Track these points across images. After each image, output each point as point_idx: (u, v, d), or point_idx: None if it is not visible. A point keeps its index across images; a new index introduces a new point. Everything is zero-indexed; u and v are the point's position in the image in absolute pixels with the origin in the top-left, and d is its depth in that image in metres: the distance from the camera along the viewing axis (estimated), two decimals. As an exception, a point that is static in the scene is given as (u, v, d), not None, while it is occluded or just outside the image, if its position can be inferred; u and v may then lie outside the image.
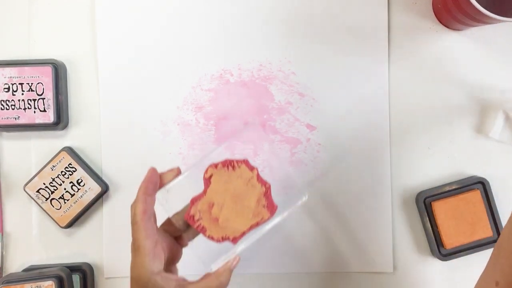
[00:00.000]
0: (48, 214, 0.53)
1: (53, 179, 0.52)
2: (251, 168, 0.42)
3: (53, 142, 0.54)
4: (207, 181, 0.42)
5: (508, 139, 0.53)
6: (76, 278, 0.51)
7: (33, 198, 0.52)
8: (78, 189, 0.52)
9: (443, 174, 0.54)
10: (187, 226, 0.43)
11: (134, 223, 0.40)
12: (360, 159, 0.54)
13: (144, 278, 0.39)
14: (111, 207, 0.54)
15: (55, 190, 0.52)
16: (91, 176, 0.52)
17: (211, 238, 0.42)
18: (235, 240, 0.42)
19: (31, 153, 0.54)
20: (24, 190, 0.52)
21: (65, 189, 0.52)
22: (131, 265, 0.40)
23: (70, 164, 0.52)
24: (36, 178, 0.52)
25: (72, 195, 0.52)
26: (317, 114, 0.54)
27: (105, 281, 0.54)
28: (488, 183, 0.52)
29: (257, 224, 0.42)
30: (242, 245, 0.42)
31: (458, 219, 0.52)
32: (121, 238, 0.54)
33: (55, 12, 0.54)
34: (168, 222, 0.44)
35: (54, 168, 0.52)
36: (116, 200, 0.54)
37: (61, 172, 0.52)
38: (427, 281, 0.54)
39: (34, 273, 0.50)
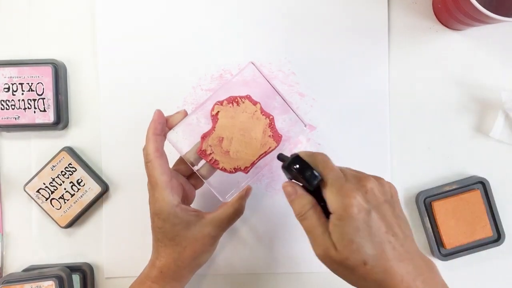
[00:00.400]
0: (48, 214, 0.53)
1: (53, 179, 0.52)
2: (254, 103, 0.45)
3: (53, 142, 0.54)
4: (215, 117, 0.45)
5: (508, 139, 0.53)
6: (76, 278, 0.51)
7: (33, 198, 0.52)
8: (78, 189, 0.52)
9: (443, 174, 0.54)
10: (199, 163, 0.45)
11: (148, 161, 0.43)
12: (360, 159, 0.54)
13: (165, 210, 0.42)
14: (111, 207, 0.54)
15: (55, 190, 0.52)
16: (91, 176, 0.52)
17: (224, 169, 0.45)
18: (246, 170, 0.45)
19: (31, 153, 0.54)
20: (24, 190, 0.52)
21: (65, 189, 0.52)
22: (151, 201, 0.43)
23: (70, 164, 0.52)
24: (36, 178, 0.52)
25: (72, 195, 0.52)
26: (317, 114, 0.54)
27: (105, 281, 0.54)
28: (488, 183, 0.52)
29: (265, 154, 0.45)
30: (252, 176, 0.45)
31: (458, 219, 0.52)
32: (121, 238, 0.54)
33: (55, 12, 0.54)
34: (180, 161, 0.47)
35: (54, 168, 0.52)
36: (116, 200, 0.54)
37: (61, 172, 0.52)
38: (427, 281, 0.54)
39: (34, 273, 0.50)
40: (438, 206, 0.52)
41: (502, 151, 0.54)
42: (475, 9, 0.43)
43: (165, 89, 0.54)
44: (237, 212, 0.45)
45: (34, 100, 0.52)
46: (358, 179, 0.37)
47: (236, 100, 0.45)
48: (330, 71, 0.54)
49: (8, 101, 0.52)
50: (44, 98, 0.52)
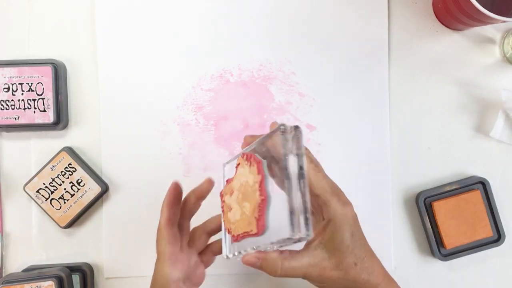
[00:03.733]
0: (48, 214, 0.53)
1: (53, 179, 0.52)
2: (259, 171, 0.36)
3: (53, 142, 0.54)
4: (236, 168, 0.40)
5: (508, 139, 0.53)
6: (76, 278, 0.51)
7: (33, 198, 0.52)
8: (78, 189, 0.52)
9: (443, 174, 0.54)
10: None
11: (158, 229, 0.42)
12: (360, 159, 0.54)
13: (160, 282, 0.41)
14: (111, 207, 0.54)
15: (55, 190, 0.52)
16: (91, 176, 0.52)
17: (224, 222, 0.41)
18: (233, 238, 0.38)
19: (31, 153, 0.54)
20: (24, 190, 0.52)
21: (65, 189, 0.52)
22: (154, 269, 0.42)
23: (70, 164, 0.52)
24: (36, 178, 0.52)
25: (72, 195, 0.52)
26: (317, 114, 0.54)
27: (105, 281, 0.54)
28: (488, 183, 0.52)
29: (245, 234, 0.36)
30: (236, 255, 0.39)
31: (458, 219, 0.52)
32: (121, 238, 0.54)
33: (55, 12, 0.54)
34: (192, 237, 0.45)
35: (54, 168, 0.52)
36: (116, 200, 0.54)
37: (61, 172, 0.52)
38: (427, 281, 0.54)
39: (34, 273, 0.50)
40: (438, 206, 0.52)
41: (502, 151, 0.54)
42: (475, 9, 0.43)
43: (165, 89, 0.54)
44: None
45: (34, 100, 0.52)
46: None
47: (251, 159, 0.37)
48: (330, 71, 0.54)
49: (8, 101, 0.52)
50: (44, 98, 0.52)
